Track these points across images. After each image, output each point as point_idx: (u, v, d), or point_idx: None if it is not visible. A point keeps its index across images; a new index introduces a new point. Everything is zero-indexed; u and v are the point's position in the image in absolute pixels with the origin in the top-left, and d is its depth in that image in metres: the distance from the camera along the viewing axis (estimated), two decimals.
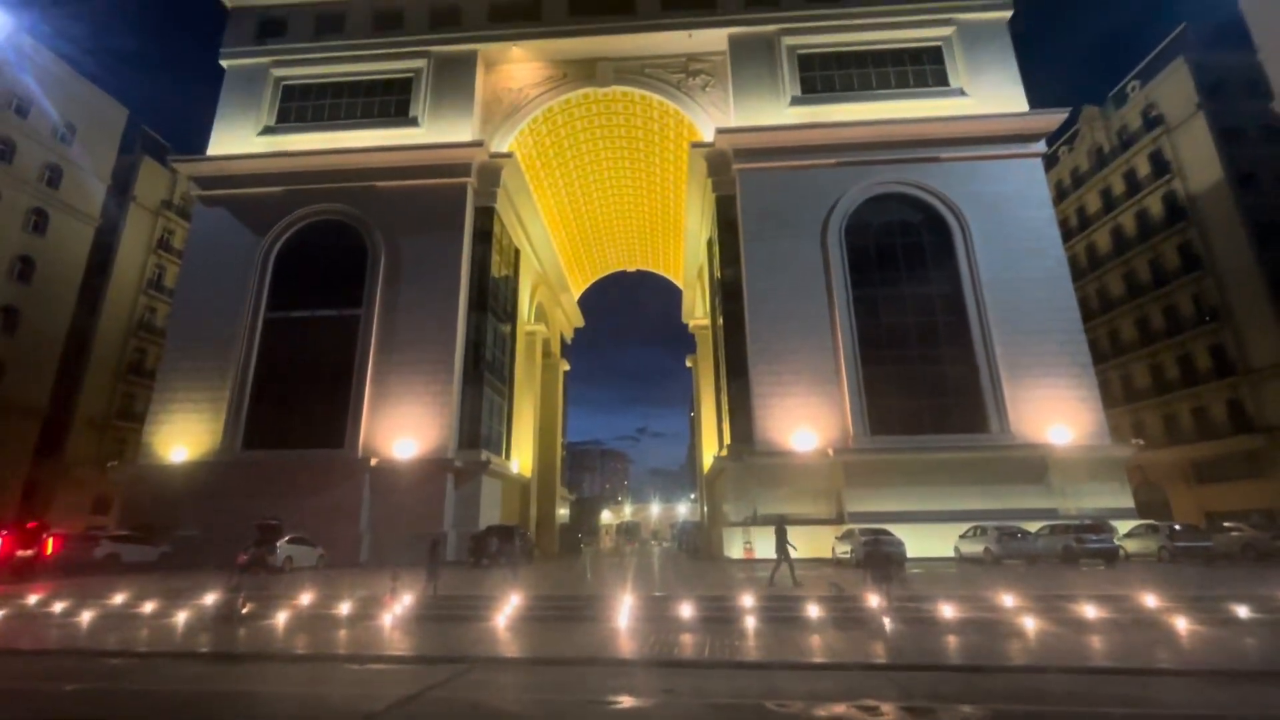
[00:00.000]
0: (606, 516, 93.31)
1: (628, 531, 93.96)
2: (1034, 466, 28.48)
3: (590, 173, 46.79)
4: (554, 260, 48.66)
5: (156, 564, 25.67)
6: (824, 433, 30.13)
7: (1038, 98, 34.46)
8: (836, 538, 25.91)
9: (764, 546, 28.18)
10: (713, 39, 37.67)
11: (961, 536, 25.95)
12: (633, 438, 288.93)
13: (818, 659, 9.52)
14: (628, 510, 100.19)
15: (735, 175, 34.60)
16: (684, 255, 49.40)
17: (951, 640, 10.69)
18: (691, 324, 55.72)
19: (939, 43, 36.40)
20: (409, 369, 32.03)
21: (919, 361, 31.46)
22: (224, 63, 38.82)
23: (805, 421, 30.37)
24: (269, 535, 23.02)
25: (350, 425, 31.35)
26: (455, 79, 37.65)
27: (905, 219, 33.75)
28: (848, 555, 23.46)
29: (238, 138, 37.11)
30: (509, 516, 37.09)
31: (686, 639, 11.10)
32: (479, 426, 32.68)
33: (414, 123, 36.74)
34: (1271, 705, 7.24)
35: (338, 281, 34.13)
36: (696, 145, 36.02)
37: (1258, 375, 38.98)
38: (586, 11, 38.44)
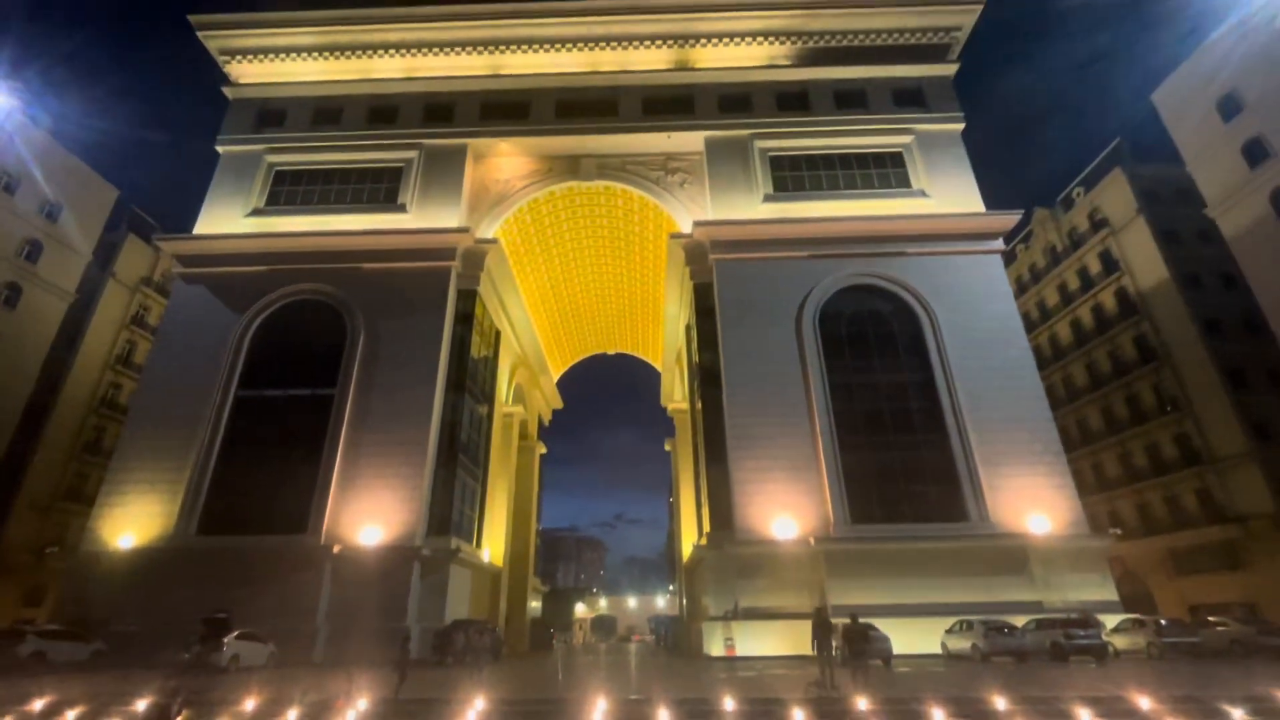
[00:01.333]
0: (580, 609, 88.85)
1: (603, 626, 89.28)
2: (1015, 556, 28.09)
3: (572, 259, 48.19)
4: (534, 342, 49.05)
5: (88, 663, 23.47)
6: (804, 520, 29.60)
7: (993, 200, 37.04)
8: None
9: (746, 643, 26.89)
10: (690, 140, 40.18)
11: (948, 632, 25.06)
12: (609, 524, 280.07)
13: None
14: (603, 603, 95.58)
15: (712, 265, 35.87)
16: (663, 339, 50.20)
17: None
18: (670, 407, 55.79)
19: (900, 149, 39.23)
20: (381, 450, 31.17)
21: (896, 448, 31.58)
22: (220, 149, 40.10)
23: (785, 509, 29.87)
24: (216, 630, 21.28)
25: (315, 509, 30.01)
26: (444, 169, 39.26)
27: (876, 309, 34.95)
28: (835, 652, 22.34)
29: (225, 218, 37.76)
30: (477, 609, 35.10)
31: None
32: (450, 511, 31.51)
33: (402, 209, 37.87)
34: None
35: (314, 361, 33.80)
36: (675, 236, 37.54)
37: (1223, 464, 39.77)
38: (572, 113, 40.98)
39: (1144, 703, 12.05)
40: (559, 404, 62.35)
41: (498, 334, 42.11)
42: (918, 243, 35.45)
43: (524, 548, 47.21)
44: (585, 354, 63.34)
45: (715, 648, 27.28)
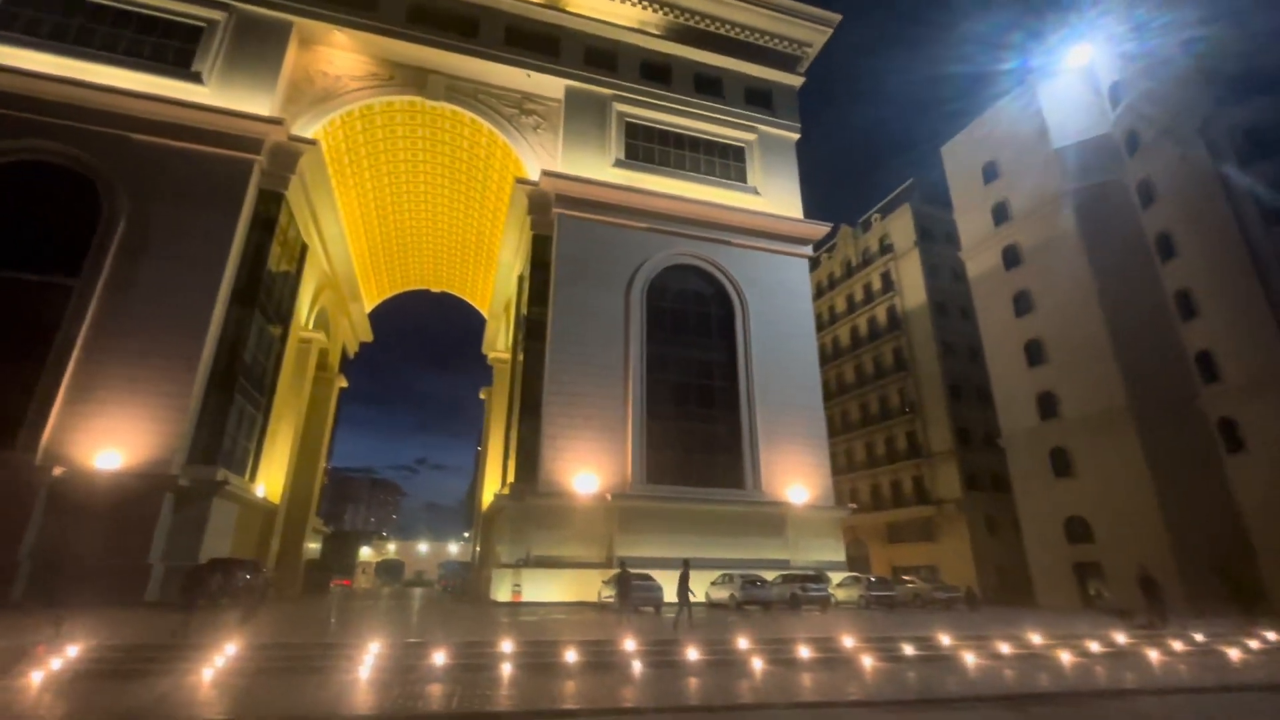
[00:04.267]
0: (366, 553, 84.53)
1: (389, 571, 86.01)
2: (776, 521, 32.67)
3: (405, 183, 44.29)
4: (348, 265, 44.46)
5: None
6: (605, 477, 31.27)
7: (809, 209, 41.34)
8: (604, 581, 26.72)
9: (533, 589, 27.97)
10: (550, 85, 38.84)
11: (712, 583, 28.47)
12: (410, 468, 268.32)
13: (568, 705, 9.65)
14: (391, 548, 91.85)
15: (555, 218, 35.47)
16: (494, 286, 48.65)
17: (694, 682, 11.61)
18: (491, 356, 54.61)
19: (743, 145, 41.94)
20: (136, 361, 26.26)
21: (695, 419, 34.57)
22: None
23: (590, 465, 31.26)
24: None
25: (31, 422, 24.55)
26: (260, 45, 33.40)
27: (698, 290, 37.48)
28: (612, 599, 24.27)
29: None
30: (243, 548, 31.69)
31: (435, 690, 10.48)
32: (220, 439, 27.75)
33: (196, 78, 31.55)
34: None
35: (49, 240, 27.19)
36: (521, 182, 36.34)
37: (935, 458, 49.83)
38: (427, 20, 37.19)
39: (848, 641, 15.03)
40: (369, 337, 57.59)
41: (304, 249, 37.42)
42: (743, 235, 38.48)
43: (308, 486, 43.41)
44: (407, 288, 59.01)
45: (503, 593, 28.00)
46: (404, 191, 45.25)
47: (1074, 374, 38.33)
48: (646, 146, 39.83)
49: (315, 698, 9.80)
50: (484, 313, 57.50)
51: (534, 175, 36.60)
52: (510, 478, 33.64)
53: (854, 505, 40.61)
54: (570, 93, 38.97)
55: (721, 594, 27.37)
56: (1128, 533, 33.56)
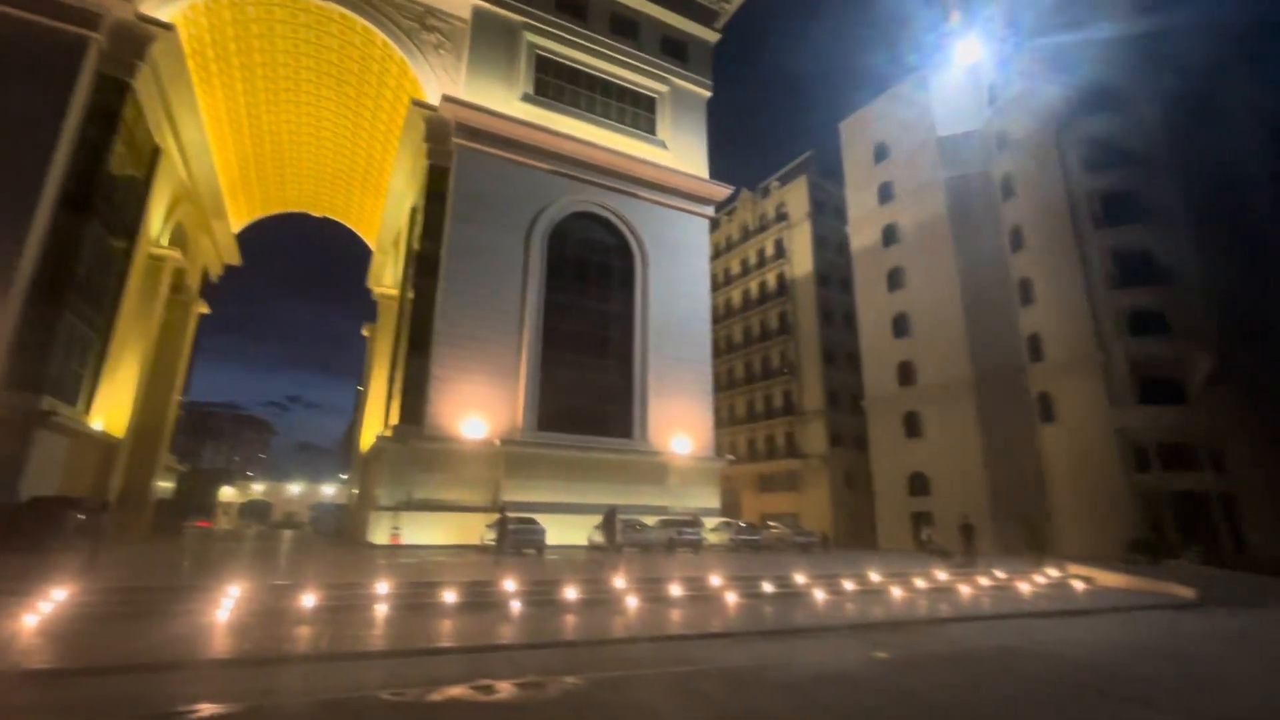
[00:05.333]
0: (229, 493, 78.53)
1: (255, 512, 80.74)
2: (660, 470, 34.17)
3: (284, 90, 39.55)
4: (211, 177, 39.38)
5: None
6: (494, 422, 31.00)
7: (714, 170, 41.91)
8: (487, 525, 26.84)
9: (412, 533, 27.56)
10: (457, 1, 35.86)
11: (595, 527, 29.47)
12: (282, 405, 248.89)
13: (444, 644, 9.82)
14: (258, 488, 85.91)
15: (454, 149, 33.42)
16: (383, 216, 45.36)
17: (570, 620, 12.17)
18: (377, 291, 51.40)
19: (655, 96, 41.36)
20: None
21: (589, 369, 34.88)
22: None
23: (479, 409, 30.79)
24: None
25: None
26: None
27: (601, 240, 37.21)
28: (494, 541, 24.48)
29: None
30: (76, 486, 28.30)
31: (303, 632, 10.23)
32: (45, 364, 24.20)
33: None
34: (770, 654, 10.16)
35: None
36: (419, 104, 33.71)
37: (806, 416, 53.95)
38: None
39: (715, 580, 16.32)
40: (236, 260, 51.91)
41: (157, 152, 32.62)
42: (649, 189, 38.43)
43: (158, 419, 39.24)
44: (283, 209, 53.46)
45: (380, 536, 27.38)
46: (283, 101, 40.44)
47: (931, 347, 42.66)
48: (557, 84, 38.18)
49: (162, 642, 9.23)
50: (371, 244, 53.63)
51: (433, 99, 34.04)
52: (394, 419, 32.40)
53: (732, 457, 43.31)
54: (479, 14, 36.24)
55: (600, 537, 28.42)
56: (957, 487, 38.58)
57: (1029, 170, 37.70)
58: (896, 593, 17.24)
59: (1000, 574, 20.55)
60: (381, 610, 12.25)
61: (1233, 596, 18.90)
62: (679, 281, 38.13)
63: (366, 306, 54.04)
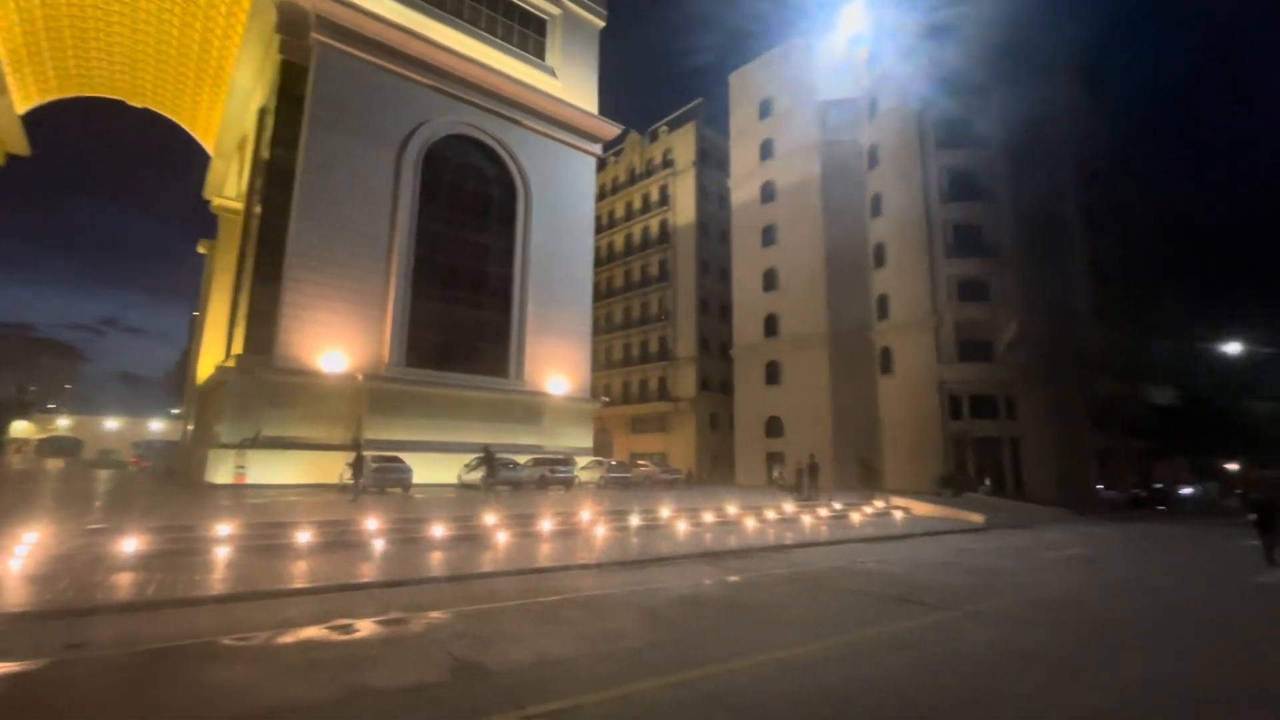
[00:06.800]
0: (23, 428, 67.24)
1: (59, 449, 70.16)
2: (535, 410, 34.12)
3: None
4: None
5: None
6: (357, 356, 29.00)
7: (604, 108, 40.68)
8: (348, 463, 25.39)
9: (260, 472, 25.49)
10: None
11: (465, 466, 29.05)
12: (95, 329, 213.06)
13: (297, 584, 9.33)
14: (63, 422, 74.32)
15: (313, 45, 29.40)
16: (224, 115, 39.28)
17: (437, 556, 12.03)
18: (217, 202, 45.12)
19: (546, 18, 38.87)
20: None
21: (464, 304, 33.47)
22: None
23: (339, 342, 28.58)
24: None
25: None
26: None
27: (482, 168, 35.11)
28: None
29: None
30: None
31: (124, 579, 9.20)
32: None
33: None
34: (633, 581, 10.77)
35: None
36: None
37: (679, 362, 56.12)
38: None
39: (584, 515, 16.85)
40: (23, 148, 42.72)
41: None
42: (536, 119, 36.59)
43: None
44: (89, 92, 44.39)
45: (222, 475, 25.08)
46: None
47: (795, 301, 45.68)
48: None
49: None
50: (209, 148, 46.48)
51: None
52: (238, 348, 29.19)
53: (606, 399, 44.18)
54: None
55: (473, 476, 28.08)
56: (807, 430, 42.49)
57: (893, 142, 40.57)
58: (750, 523, 18.90)
59: (838, 506, 23.20)
60: (223, 553, 11.33)
61: (1010, 521, 22.92)
62: (563, 220, 37.22)
63: (205, 220, 47.27)
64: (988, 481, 32.90)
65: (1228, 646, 7.60)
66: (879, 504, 24.87)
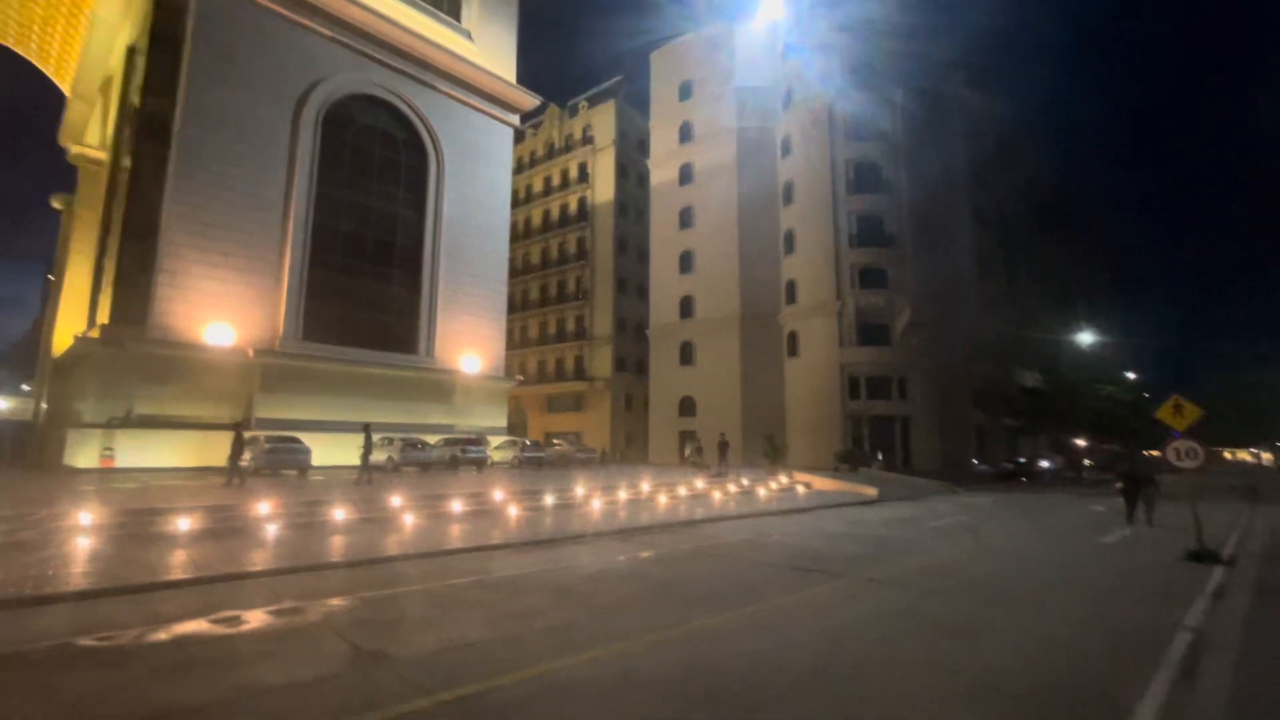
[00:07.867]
0: None
1: None
2: (445, 388, 32.98)
3: None
4: None
5: None
6: (247, 329, 26.76)
7: (522, 77, 39.28)
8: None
9: (131, 454, 23.09)
10: None
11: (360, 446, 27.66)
12: None
13: (174, 575, 8.55)
14: None
15: None
16: (83, 50, 34.45)
17: (337, 540, 11.41)
18: (75, 150, 39.80)
19: None
20: None
21: (369, 276, 31.65)
22: None
23: (226, 313, 26.24)
24: None
25: None
26: None
27: (390, 132, 33.07)
28: (247, 463, 21.66)
29: None
30: None
31: None
32: None
33: None
34: (548, 560, 10.70)
35: None
36: None
37: (596, 342, 56.03)
38: None
39: (497, 495, 16.55)
40: None
41: None
42: (450, 83, 34.82)
43: None
44: None
45: (85, 458, 22.51)
46: None
47: (709, 284, 46.68)
48: None
49: None
50: (64, 87, 40.75)
51: None
52: (104, 317, 26.10)
53: (521, 378, 43.46)
54: None
55: (379, 457, 26.83)
56: (718, 409, 43.85)
57: (805, 132, 42.00)
58: (663, 499, 19.30)
59: (746, 482, 24.16)
60: (84, 544, 10.19)
61: (899, 494, 24.79)
62: (477, 191, 35.83)
63: (62, 171, 41.56)
64: (880, 457, 35.38)
65: (1091, 606, 8.62)
66: (784, 480, 26.15)
